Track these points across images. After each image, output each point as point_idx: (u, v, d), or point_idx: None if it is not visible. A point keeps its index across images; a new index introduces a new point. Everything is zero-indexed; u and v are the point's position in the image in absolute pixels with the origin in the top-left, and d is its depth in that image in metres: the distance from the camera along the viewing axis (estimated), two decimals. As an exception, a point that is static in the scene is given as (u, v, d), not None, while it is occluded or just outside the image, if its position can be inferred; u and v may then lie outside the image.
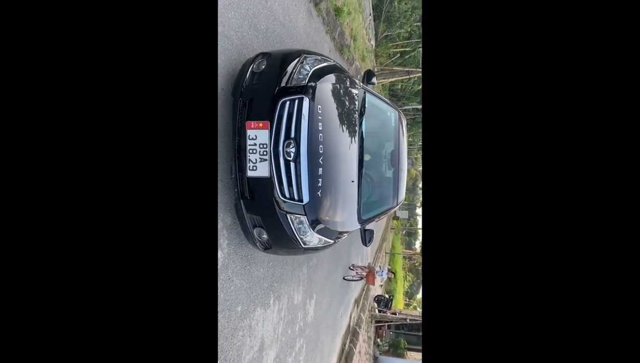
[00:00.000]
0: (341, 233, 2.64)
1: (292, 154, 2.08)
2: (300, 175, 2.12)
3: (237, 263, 2.60)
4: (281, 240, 2.33)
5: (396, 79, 12.98)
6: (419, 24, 13.26)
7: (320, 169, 2.20)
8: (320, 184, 2.21)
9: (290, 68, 2.22)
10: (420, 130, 25.35)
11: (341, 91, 2.52)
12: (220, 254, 2.38)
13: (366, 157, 3.09)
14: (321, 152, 2.20)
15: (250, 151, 2.09)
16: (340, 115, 2.46)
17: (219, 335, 2.42)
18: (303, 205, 2.16)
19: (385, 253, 19.91)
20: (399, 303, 22.72)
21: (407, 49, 13.43)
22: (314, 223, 2.25)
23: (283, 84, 2.15)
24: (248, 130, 2.08)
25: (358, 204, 2.84)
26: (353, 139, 2.71)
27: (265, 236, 2.34)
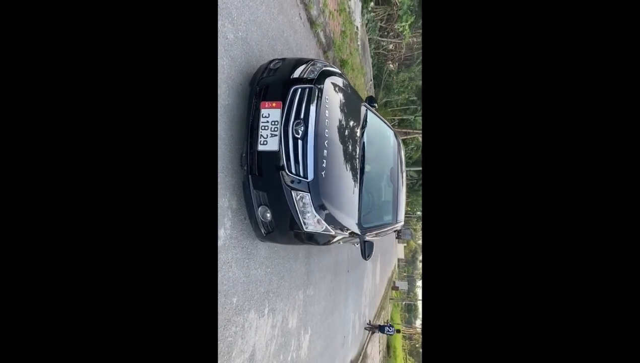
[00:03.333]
0: (342, 227, 2.68)
1: (300, 132, 2.27)
2: (306, 153, 2.28)
3: (237, 250, 2.60)
4: (284, 220, 2.39)
5: (395, 140, 13.74)
6: (414, 97, 14.53)
7: (325, 151, 2.37)
8: (324, 165, 2.35)
9: (302, 67, 2.54)
10: (419, 198, 25.76)
11: (346, 93, 2.82)
12: (222, 233, 2.42)
13: (367, 168, 3.27)
14: (326, 136, 2.39)
15: (263, 128, 2.28)
16: (345, 112, 2.72)
17: (211, 321, 2.32)
18: (307, 182, 2.28)
19: (385, 321, 18.67)
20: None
21: (404, 117, 14.45)
22: (316, 203, 2.34)
23: (296, 76, 2.44)
24: (262, 109, 2.31)
25: (359, 207, 2.94)
26: (355, 142, 2.93)
27: (268, 216, 2.40)
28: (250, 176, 2.34)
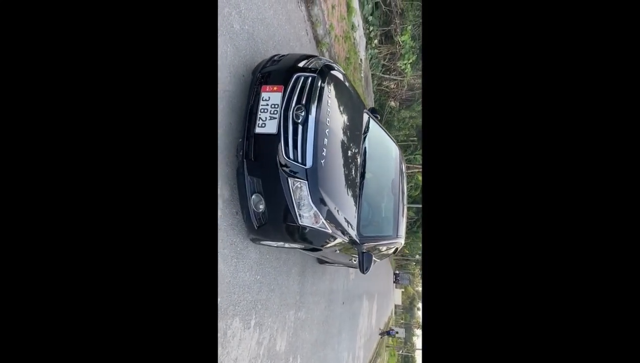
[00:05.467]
0: (341, 228, 2.50)
1: (300, 117, 2.18)
2: (306, 139, 2.17)
3: (225, 245, 2.40)
4: (278, 212, 2.23)
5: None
6: (414, 136, 14.77)
7: (326, 140, 2.27)
8: (324, 153, 2.24)
9: (306, 60, 2.52)
10: (418, 240, 25.24)
11: (349, 91, 2.78)
12: (211, 222, 2.24)
13: (368, 175, 3.16)
14: (327, 124, 2.30)
15: (262, 110, 2.20)
16: (347, 108, 2.65)
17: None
18: (306, 169, 2.15)
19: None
20: None
21: (405, 154, 14.56)
22: (314, 194, 2.19)
23: (299, 66, 2.41)
24: (262, 93, 2.24)
25: (358, 212, 2.78)
26: (357, 143, 2.84)
27: (261, 207, 2.24)
28: (245, 161, 2.22)
